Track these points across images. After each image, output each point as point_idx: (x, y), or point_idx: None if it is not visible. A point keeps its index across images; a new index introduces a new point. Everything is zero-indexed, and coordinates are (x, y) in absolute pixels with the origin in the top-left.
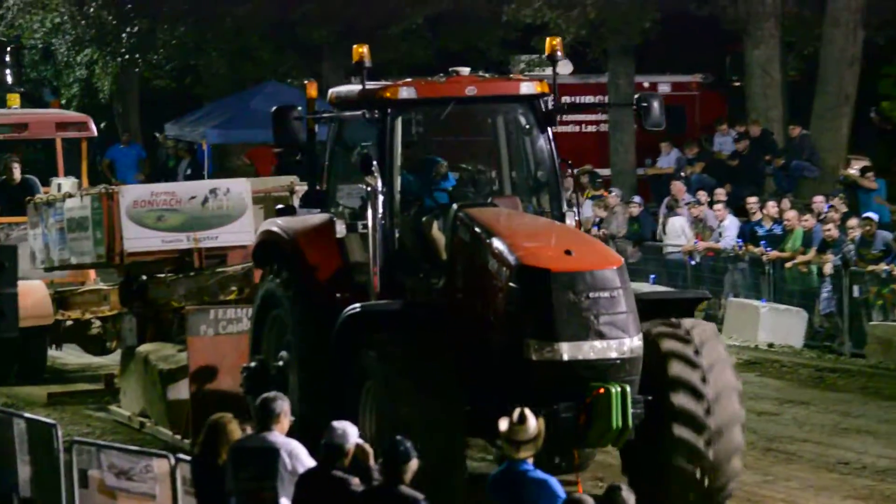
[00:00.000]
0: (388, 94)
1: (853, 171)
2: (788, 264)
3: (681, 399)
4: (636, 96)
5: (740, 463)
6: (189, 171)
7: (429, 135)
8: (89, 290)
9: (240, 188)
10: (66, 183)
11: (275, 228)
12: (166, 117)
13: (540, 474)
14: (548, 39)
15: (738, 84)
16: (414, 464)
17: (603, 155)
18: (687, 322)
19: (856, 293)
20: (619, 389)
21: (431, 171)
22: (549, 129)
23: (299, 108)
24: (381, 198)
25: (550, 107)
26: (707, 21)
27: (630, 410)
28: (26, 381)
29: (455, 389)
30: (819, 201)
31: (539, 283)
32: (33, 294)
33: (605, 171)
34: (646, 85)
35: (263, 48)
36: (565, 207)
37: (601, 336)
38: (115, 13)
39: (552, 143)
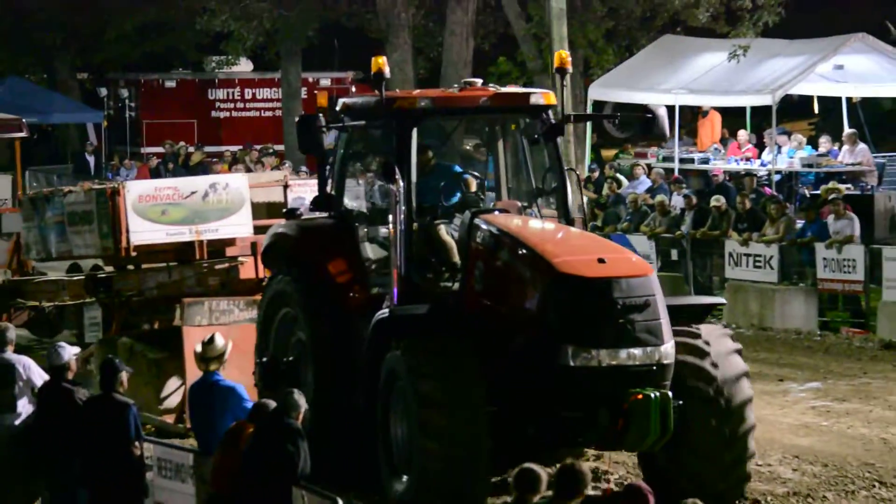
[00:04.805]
0: (406, 105)
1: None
2: None
3: (691, 360)
4: (644, 107)
5: (753, 441)
6: None
7: (443, 142)
8: (46, 281)
9: (238, 183)
10: (1, 180)
11: (285, 230)
12: None
13: (228, 383)
14: (556, 54)
15: None
16: (124, 375)
17: (278, 134)
18: (704, 328)
19: None
20: (657, 395)
21: (442, 177)
22: (557, 138)
23: (321, 116)
24: (402, 204)
25: (553, 119)
26: (357, 30)
27: (671, 416)
28: None
29: (481, 394)
30: None
31: (576, 291)
32: None
33: (280, 147)
34: (310, 80)
35: (1, 49)
36: (574, 213)
37: (637, 343)
38: None
39: (559, 152)
